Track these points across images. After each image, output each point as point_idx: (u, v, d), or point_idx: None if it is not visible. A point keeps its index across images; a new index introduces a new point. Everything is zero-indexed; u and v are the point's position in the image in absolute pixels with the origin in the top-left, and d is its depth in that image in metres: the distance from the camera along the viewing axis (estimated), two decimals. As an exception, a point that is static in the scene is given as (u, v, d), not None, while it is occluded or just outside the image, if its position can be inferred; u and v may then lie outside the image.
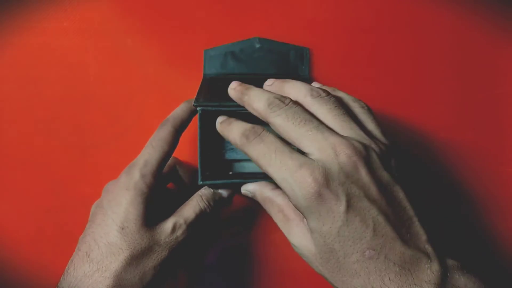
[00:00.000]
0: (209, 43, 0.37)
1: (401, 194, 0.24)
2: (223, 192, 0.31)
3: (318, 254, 0.24)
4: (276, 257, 0.36)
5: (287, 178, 0.23)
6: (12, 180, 0.36)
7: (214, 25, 0.37)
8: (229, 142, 0.32)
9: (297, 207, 0.24)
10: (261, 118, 0.27)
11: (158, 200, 0.29)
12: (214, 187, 0.30)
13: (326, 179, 0.23)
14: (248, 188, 0.29)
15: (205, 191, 0.30)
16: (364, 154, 0.23)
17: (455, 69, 0.38)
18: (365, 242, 0.23)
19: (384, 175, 0.24)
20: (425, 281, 0.22)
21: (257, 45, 0.35)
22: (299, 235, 0.26)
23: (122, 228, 0.27)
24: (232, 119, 0.28)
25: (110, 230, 0.27)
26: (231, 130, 0.27)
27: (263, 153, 0.25)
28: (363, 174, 0.23)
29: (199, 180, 0.29)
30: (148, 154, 0.29)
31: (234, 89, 0.28)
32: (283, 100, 0.26)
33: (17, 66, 0.37)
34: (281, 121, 0.25)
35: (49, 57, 0.37)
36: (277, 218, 0.28)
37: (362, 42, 0.37)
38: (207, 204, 0.30)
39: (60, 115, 0.37)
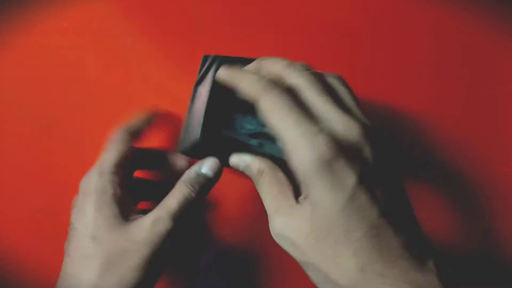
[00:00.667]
0: (208, 44, 0.37)
1: (397, 183, 0.24)
2: (208, 172, 0.29)
3: (311, 233, 0.22)
4: (275, 256, 0.36)
5: (305, 135, 0.22)
6: (12, 180, 0.36)
7: (214, 27, 0.37)
8: (239, 119, 0.28)
9: (300, 173, 0.23)
10: (250, 99, 0.25)
11: (130, 196, 0.28)
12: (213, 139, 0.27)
13: (341, 150, 0.22)
14: (244, 158, 0.27)
15: (187, 176, 0.29)
16: (369, 136, 0.23)
17: (456, 69, 0.38)
18: (369, 221, 0.22)
19: (386, 159, 0.24)
20: (429, 270, 0.22)
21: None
22: (291, 213, 0.24)
23: (94, 238, 0.26)
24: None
25: (81, 243, 0.27)
26: (244, 76, 0.25)
27: (281, 105, 0.23)
28: (370, 155, 0.23)
29: (199, 136, 0.26)
30: (102, 157, 0.29)
31: (223, 71, 0.27)
32: (275, 85, 0.24)
33: (17, 66, 0.37)
34: (267, 105, 0.23)
35: (49, 57, 0.37)
36: (272, 191, 0.25)
37: (362, 56, 0.37)
38: (191, 188, 0.28)
39: (59, 115, 0.37)
